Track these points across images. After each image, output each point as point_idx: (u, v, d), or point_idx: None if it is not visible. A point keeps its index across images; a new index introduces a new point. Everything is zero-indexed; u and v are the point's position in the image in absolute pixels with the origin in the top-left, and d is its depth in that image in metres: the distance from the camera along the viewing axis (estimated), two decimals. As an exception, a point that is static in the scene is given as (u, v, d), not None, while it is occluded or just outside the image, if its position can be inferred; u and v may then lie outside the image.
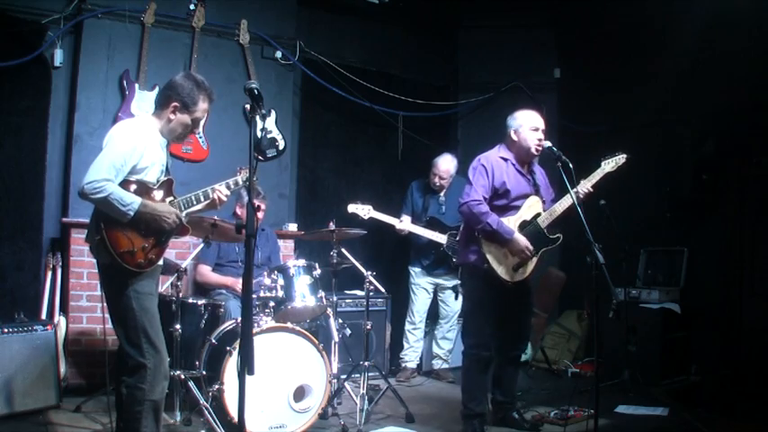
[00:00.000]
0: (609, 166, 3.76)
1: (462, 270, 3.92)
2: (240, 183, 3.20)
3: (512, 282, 3.69)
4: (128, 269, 2.77)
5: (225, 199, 3.11)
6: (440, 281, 5.36)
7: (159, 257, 2.90)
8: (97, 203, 2.72)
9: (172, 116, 2.91)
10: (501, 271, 3.66)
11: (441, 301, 5.44)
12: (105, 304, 2.87)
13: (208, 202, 3.10)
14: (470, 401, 3.76)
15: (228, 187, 3.14)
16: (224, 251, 4.54)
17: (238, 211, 4.62)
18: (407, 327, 5.42)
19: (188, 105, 2.90)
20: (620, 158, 3.76)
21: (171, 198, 2.97)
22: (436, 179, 5.26)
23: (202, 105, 2.94)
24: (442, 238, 5.12)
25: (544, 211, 3.78)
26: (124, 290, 2.78)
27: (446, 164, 5.25)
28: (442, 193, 5.32)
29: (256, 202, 4.37)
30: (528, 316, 4.07)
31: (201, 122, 3.02)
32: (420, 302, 5.37)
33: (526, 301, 3.96)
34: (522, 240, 3.64)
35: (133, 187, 2.81)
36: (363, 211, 4.88)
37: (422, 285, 5.36)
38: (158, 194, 2.93)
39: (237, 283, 4.31)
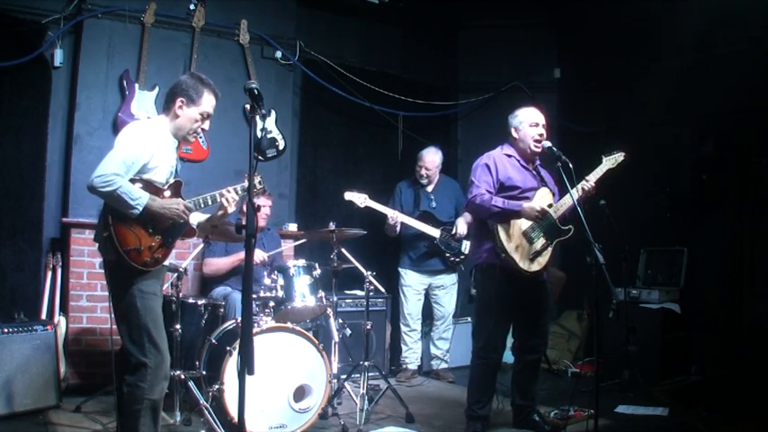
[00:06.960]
0: (609, 162, 3.81)
1: (475, 271, 3.89)
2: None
3: (528, 272, 3.62)
4: (133, 267, 2.78)
5: (233, 202, 3.09)
6: (431, 280, 5.34)
7: (165, 258, 2.92)
8: (106, 197, 2.73)
9: (179, 111, 2.93)
10: (518, 259, 3.60)
11: (434, 302, 5.42)
12: (110, 303, 2.88)
13: (221, 213, 3.08)
14: (475, 404, 3.75)
15: (236, 191, 3.13)
16: (231, 247, 4.54)
17: (245, 209, 4.61)
18: (403, 329, 5.40)
19: (194, 99, 2.92)
20: (619, 156, 3.83)
21: (178, 200, 2.98)
22: (422, 171, 5.30)
23: (208, 98, 2.95)
24: (435, 232, 5.12)
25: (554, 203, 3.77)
26: (129, 288, 2.80)
27: (431, 155, 5.31)
28: (429, 189, 5.34)
29: (262, 201, 4.42)
30: (545, 318, 3.94)
31: (209, 120, 3.01)
32: (411, 305, 5.35)
33: (543, 303, 3.88)
34: (533, 204, 3.62)
35: (141, 186, 2.81)
36: (360, 199, 4.80)
37: (413, 287, 5.33)
38: (166, 195, 2.93)
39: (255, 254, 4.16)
